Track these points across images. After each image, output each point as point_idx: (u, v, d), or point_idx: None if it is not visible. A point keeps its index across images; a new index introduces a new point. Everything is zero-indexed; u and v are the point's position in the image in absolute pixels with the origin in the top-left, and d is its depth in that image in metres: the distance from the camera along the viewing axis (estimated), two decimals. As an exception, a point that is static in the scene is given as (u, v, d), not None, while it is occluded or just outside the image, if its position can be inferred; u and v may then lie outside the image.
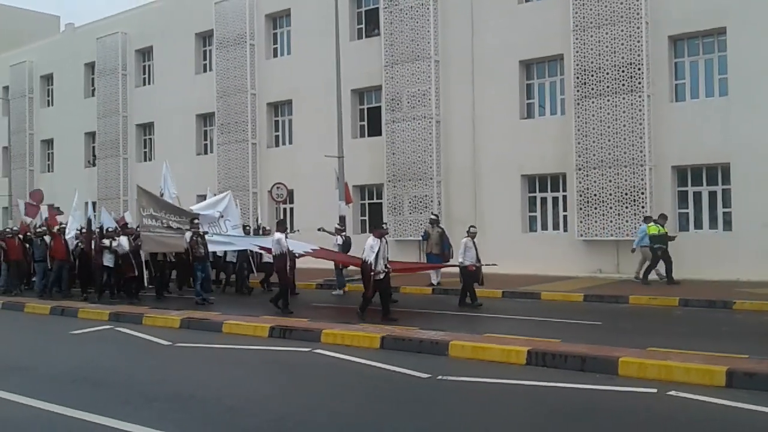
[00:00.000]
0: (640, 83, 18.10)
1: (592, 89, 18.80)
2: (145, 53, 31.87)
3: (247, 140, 26.89)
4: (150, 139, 31.81)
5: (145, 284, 16.69)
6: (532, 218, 20.79)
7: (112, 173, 31.98)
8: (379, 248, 12.19)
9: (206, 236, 16.49)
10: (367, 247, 12.28)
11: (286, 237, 14.19)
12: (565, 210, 20.12)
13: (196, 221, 16.33)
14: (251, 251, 17.61)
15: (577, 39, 19.05)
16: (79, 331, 12.37)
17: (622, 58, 18.35)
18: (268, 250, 15.39)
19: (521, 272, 18.77)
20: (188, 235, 15.96)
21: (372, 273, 12.11)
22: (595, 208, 18.77)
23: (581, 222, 19.01)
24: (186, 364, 9.49)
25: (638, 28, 18.12)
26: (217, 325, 11.96)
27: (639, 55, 18.12)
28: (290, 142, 26.60)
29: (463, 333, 10.14)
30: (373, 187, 24.20)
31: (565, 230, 19.96)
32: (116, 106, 31.82)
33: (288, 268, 13.85)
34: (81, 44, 33.66)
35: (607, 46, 18.57)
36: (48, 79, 36.76)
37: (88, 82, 34.50)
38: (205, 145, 29.62)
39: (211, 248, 16.56)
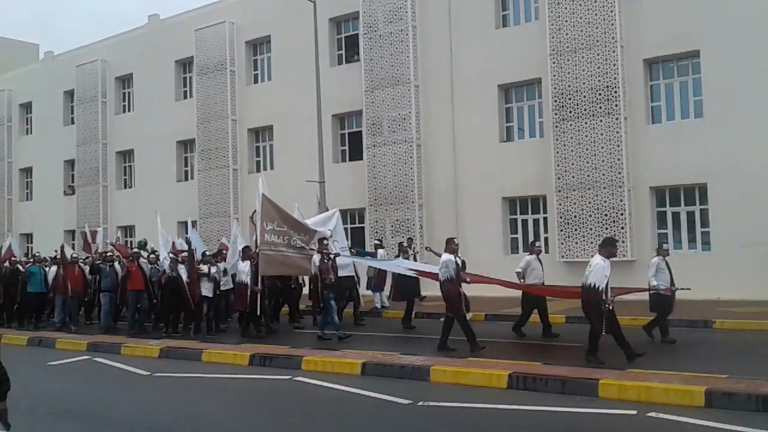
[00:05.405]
0: (616, 106, 18.34)
1: (570, 112, 19.00)
2: (125, 80, 31.80)
3: (228, 166, 26.84)
4: (130, 166, 31.62)
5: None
6: (513, 240, 20.86)
7: (91, 201, 31.69)
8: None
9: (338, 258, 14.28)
10: (597, 269, 9.79)
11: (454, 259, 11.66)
12: (546, 232, 20.22)
13: (325, 242, 14.19)
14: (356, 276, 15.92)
15: (554, 63, 19.29)
16: (57, 362, 12.19)
17: (599, 81, 18.60)
18: (426, 274, 13.38)
19: (503, 294, 18.64)
20: (317, 258, 13.63)
21: (607, 304, 9.65)
22: (576, 230, 18.88)
23: (562, 244, 19.10)
24: (165, 395, 9.37)
25: (614, 51, 18.39)
26: (196, 354, 11.84)
27: (615, 79, 18.37)
28: (271, 168, 26.55)
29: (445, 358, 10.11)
30: (355, 211, 24.18)
31: (547, 252, 19.99)
32: (96, 134, 31.63)
33: (461, 296, 11.27)
34: (60, 72, 33.50)
35: (583, 70, 18.82)
36: (27, 107, 36.50)
37: (67, 109, 34.31)
38: (186, 171, 29.50)
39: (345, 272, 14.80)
